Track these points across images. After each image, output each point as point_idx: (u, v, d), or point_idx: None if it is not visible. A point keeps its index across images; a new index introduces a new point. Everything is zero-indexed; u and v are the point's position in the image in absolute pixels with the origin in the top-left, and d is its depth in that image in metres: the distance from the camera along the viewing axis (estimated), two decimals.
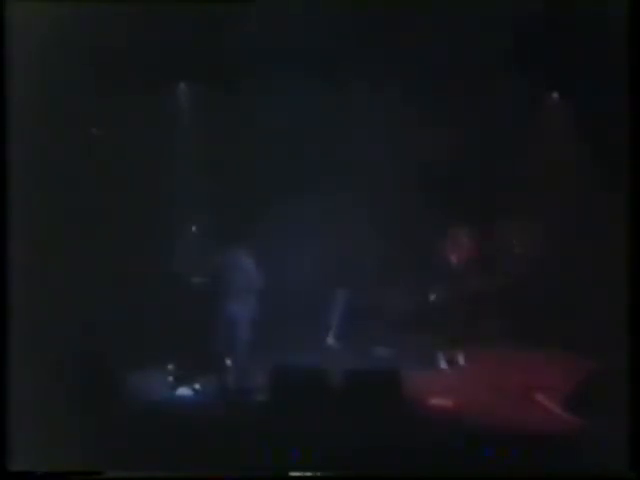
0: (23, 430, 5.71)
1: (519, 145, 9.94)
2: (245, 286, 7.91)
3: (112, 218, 9.00)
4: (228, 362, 7.97)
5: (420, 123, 9.77)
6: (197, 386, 7.69)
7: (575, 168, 9.64)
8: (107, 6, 7.65)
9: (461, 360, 8.87)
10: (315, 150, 10.00)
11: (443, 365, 8.75)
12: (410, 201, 9.95)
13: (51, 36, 7.24)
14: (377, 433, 6.17)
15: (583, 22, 7.88)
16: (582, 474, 5.56)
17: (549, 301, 9.26)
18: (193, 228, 9.24)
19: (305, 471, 5.66)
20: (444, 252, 9.12)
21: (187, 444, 5.88)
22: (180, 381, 7.76)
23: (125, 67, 8.87)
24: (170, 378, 7.83)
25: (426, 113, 9.73)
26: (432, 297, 9.31)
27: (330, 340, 9.56)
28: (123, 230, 9.07)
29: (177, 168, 10.12)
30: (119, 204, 9.12)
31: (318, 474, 5.68)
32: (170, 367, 8.16)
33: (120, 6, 7.69)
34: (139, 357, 7.92)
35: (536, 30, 8.61)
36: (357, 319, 9.65)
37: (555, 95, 10.21)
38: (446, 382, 8.11)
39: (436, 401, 7.33)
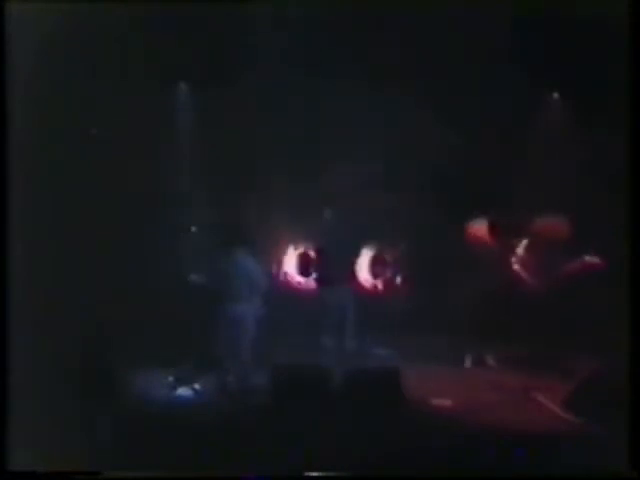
0: (23, 430, 5.71)
1: (519, 145, 9.94)
2: (249, 286, 7.89)
3: (112, 218, 8.99)
4: (228, 362, 7.97)
5: (420, 123, 9.78)
6: (197, 386, 7.69)
7: (575, 168, 9.64)
8: (107, 6, 7.65)
9: (466, 360, 8.89)
10: (318, 149, 10.01)
11: (468, 364, 8.79)
12: (413, 201, 9.98)
13: (51, 36, 7.23)
14: (377, 433, 6.17)
15: (583, 22, 7.88)
16: (582, 474, 5.56)
17: (549, 301, 9.25)
18: (193, 228, 9.25)
19: (305, 471, 5.66)
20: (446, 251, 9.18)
21: (187, 444, 5.88)
22: (180, 381, 7.76)
23: (125, 67, 8.87)
24: (170, 378, 7.83)
25: (426, 113, 9.73)
26: (437, 297, 9.42)
27: (332, 340, 9.55)
28: (123, 230, 9.06)
29: (178, 168, 10.12)
30: (119, 204, 9.11)
31: (318, 474, 5.67)
32: (170, 367, 8.17)
33: (120, 6, 7.69)
34: (139, 357, 7.92)
35: (536, 30, 8.61)
36: (358, 318, 9.66)
37: (555, 95, 10.24)
38: (446, 382, 8.10)
39: (436, 401, 7.32)
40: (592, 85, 8.53)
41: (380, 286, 10.09)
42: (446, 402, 7.32)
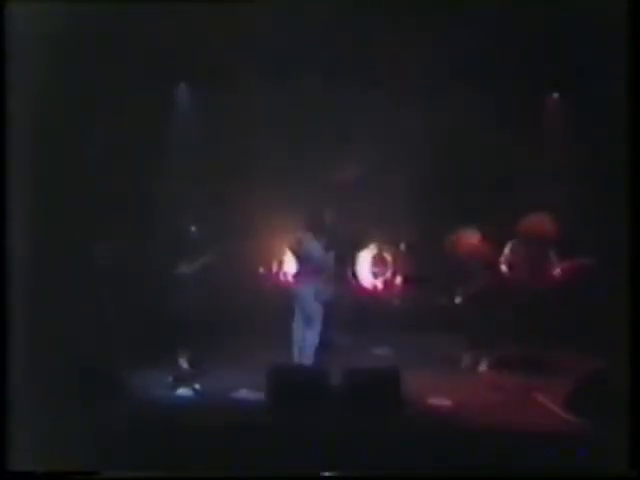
0: (23, 430, 5.71)
1: (519, 145, 9.95)
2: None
3: (113, 217, 9.00)
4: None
5: (421, 123, 9.80)
6: (197, 386, 7.69)
7: (575, 168, 9.65)
8: (108, 6, 7.65)
9: (465, 359, 8.90)
10: (318, 150, 10.01)
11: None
12: (413, 201, 10.00)
13: (51, 36, 7.24)
14: (377, 433, 6.18)
15: (583, 22, 7.88)
16: (582, 474, 5.57)
17: (549, 301, 9.26)
18: (193, 228, 9.25)
19: (305, 471, 5.66)
20: (445, 252, 9.18)
21: (187, 444, 5.88)
22: (180, 381, 7.76)
23: (125, 67, 8.88)
24: (170, 378, 7.84)
25: (426, 114, 9.75)
26: (437, 297, 9.44)
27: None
28: (124, 229, 9.07)
29: (179, 168, 10.14)
30: (120, 203, 9.12)
31: (318, 474, 5.68)
32: (170, 367, 8.18)
33: (120, 6, 7.69)
34: (139, 357, 7.93)
35: (536, 30, 8.62)
36: (359, 318, 9.67)
37: (555, 95, 10.26)
38: (446, 382, 8.10)
39: (436, 401, 7.32)
40: (592, 85, 8.53)
41: (380, 286, 10.10)
42: (446, 402, 7.31)
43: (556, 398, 7.18)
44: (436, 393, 7.47)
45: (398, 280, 10.25)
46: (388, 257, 10.29)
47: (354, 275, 10.24)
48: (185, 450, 5.81)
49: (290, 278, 9.31)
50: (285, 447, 5.91)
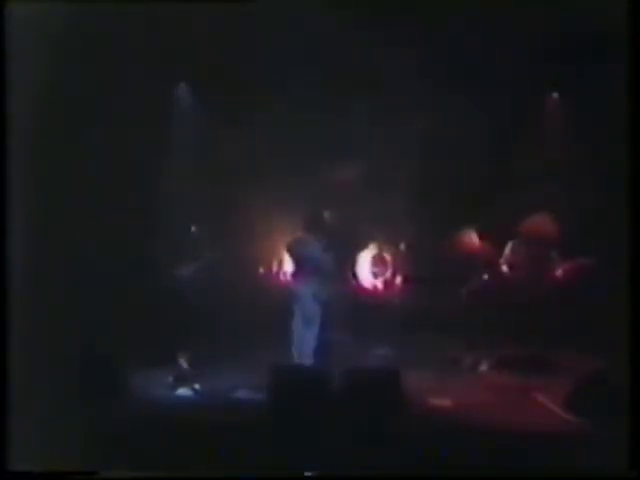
0: (23, 430, 5.71)
1: (518, 145, 9.95)
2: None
3: (113, 217, 8.99)
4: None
5: (420, 123, 9.79)
6: (197, 386, 7.69)
7: (575, 168, 9.64)
8: (108, 6, 7.66)
9: (465, 359, 8.90)
10: (318, 150, 10.00)
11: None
12: (413, 201, 9.99)
13: (51, 36, 7.24)
14: (377, 433, 6.17)
15: (583, 22, 7.88)
16: (582, 474, 5.56)
17: (549, 301, 9.26)
18: (192, 228, 9.27)
19: (305, 471, 5.66)
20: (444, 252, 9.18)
21: (187, 444, 5.88)
22: (180, 381, 7.76)
23: (125, 67, 8.88)
24: (170, 378, 7.84)
25: (425, 114, 9.73)
26: (437, 297, 9.45)
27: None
28: (124, 229, 9.06)
29: (179, 168, 10.13)
30: (120, 203, 9.11)
31: (318, 474, 5.68)
32: (170, 367, 8.17)
33: (120, 6, 7.70)
34: (139, 357, 7.92)
35: (536, 30, 8.62)
36: (358, 318, 9.66)
37: (555, 95, 10.26)
38: (446, 382, 8.10)
39: (436, 401, 7.32)
40: (592, 85, 8.53)
41: (380, 286, 10.10)
42: (446, 402, 7.31)
43: (556, 398, 7.18)
44: (436, 393, 7.47)
45: (398, 280, 10.24)
46: (388, 257, 10.28)
47: (354, 275, 10.23)
48: (185, 450, 5.81)
49: (290, 278, 9.30)
50: (285, 447, 5.90)
